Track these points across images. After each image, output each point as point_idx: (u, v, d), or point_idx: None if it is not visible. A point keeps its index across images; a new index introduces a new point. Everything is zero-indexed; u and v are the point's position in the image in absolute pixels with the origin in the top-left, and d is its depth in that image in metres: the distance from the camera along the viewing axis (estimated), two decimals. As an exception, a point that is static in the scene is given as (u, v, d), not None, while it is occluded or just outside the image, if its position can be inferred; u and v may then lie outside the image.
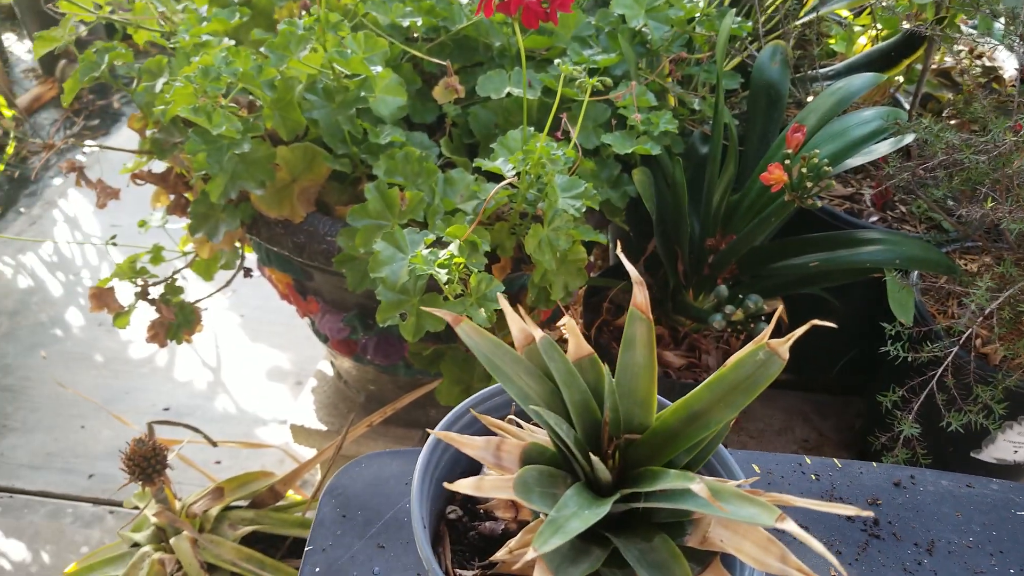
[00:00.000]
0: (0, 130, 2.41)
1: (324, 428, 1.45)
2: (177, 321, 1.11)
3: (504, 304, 0.42)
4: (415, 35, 1.09)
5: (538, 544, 0.35)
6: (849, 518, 0.67)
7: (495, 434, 0.45)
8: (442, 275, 0.78)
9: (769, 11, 1.25)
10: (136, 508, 1.14)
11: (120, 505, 1.48)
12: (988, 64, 1.39)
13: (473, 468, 0.51)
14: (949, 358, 0.88)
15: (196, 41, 0.94)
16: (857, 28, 1.44)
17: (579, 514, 0.38)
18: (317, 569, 0.65)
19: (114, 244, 1.16)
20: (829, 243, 1.05)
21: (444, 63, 0.95)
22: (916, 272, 1.08)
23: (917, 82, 1.24)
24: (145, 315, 1.16)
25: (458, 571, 0.49)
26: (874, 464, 0.72)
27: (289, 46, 0.90)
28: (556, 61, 0.86)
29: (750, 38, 1.25)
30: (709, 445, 0.44)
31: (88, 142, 2.42)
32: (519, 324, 0.43)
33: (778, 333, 1.20)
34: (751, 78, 1.12)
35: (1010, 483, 0.71)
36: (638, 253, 1.22)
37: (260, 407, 1.68)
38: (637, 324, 0.43)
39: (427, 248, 0.81)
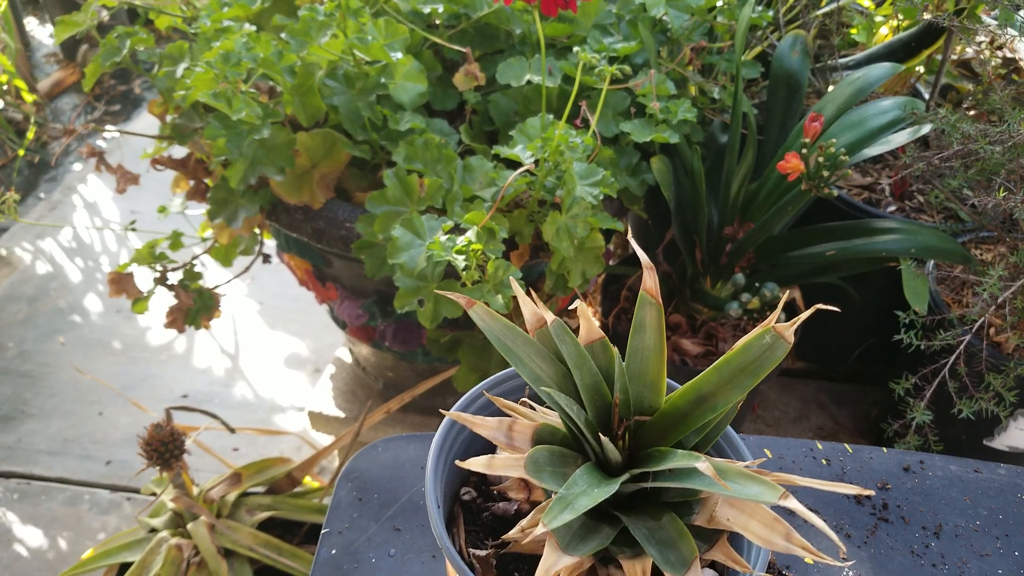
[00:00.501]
0: (21, 115, 2.44)
1: (342, 415, 1.47)
2: (196, 307, 1.13)
3: (516, 287, 0.43)
4: (436, 22, 1.10)
5: (547, 520, 0.36)
6: (859, 502, 0.68)
7: (508, 415, 0.46)
8: (460, 261, 0.79)
9: (790, 1, 1.25)
10: (154, 495, 1.16)
11: (138, 492, 1.50)
12: (1009, 55, 1.37)
13: (487, 450, 0.52)
14: (962, 346, 0.88)
15: (217, 26, 0.96)
16: (878, 18, 1.43)
17: (588, 492, 0.39)
18: (333, 551, 0.66)
19: (133, 230, 1.17)
20: (845, 232, 1.05)
21: (464, 50, 0.96)
22: (932, 261, 1.08)
23: (936, 73, 1.23)
24: (164, 301, 1.18)
25: (471, 550, 0.50)
26: (884, 449, 0.73)
27: (310, 32, 0.91)
28: (575, 49, 0.87)
29: (771, 27, 1.25)
30: (717, 427, 0.45)
31: (108, 127, 2.45)
32: (531, 307, 0.44)
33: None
34: (771, 67, 1.11)
35: (1017, 468, 0.71)
36: (656, 241, 1.23)
37: (278, 394, 1.70)
38: (647, 308, 0.44)
39: (445, 235, 0.82)
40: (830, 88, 1.16)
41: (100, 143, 2.41)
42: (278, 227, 1.06)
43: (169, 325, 1.13)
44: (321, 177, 0.99)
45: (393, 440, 0.74)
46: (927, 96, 1.27)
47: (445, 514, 0.51)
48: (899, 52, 1.24)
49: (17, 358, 1.76)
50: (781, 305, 0.42)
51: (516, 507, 0.51)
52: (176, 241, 1.19)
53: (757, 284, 1.07)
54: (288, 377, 1.74)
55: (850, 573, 0.64)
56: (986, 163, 0.90)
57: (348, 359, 1.54)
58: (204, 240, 1.23)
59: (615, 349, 0.45)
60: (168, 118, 1.08)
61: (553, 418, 0.47)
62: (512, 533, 0.44)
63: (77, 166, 2.35)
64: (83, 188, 2.27)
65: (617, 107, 1.01)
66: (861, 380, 1.44)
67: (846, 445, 0.73)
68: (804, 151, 0.91)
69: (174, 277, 1.15)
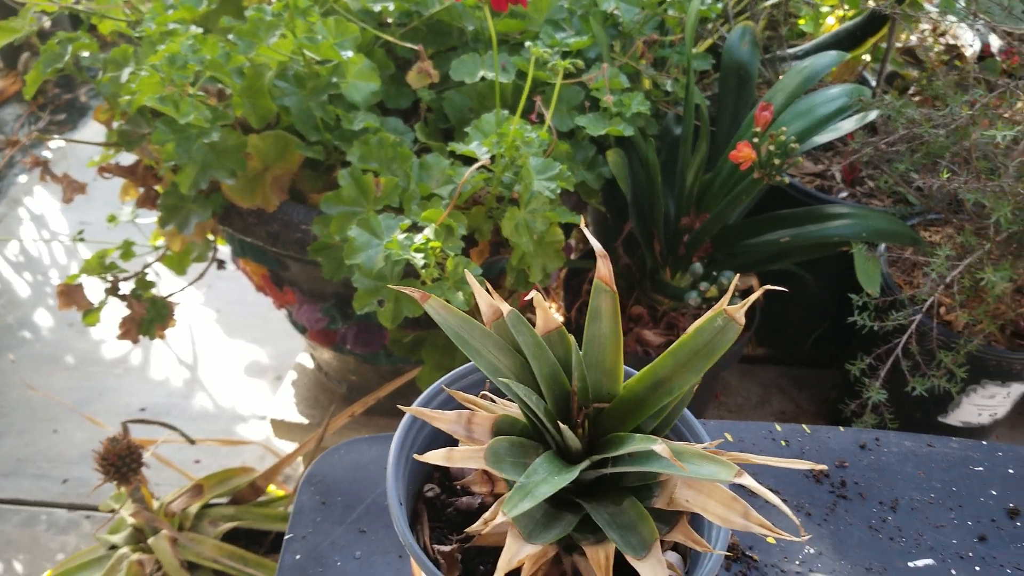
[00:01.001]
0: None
1: (305, 421, 1.46)
2: (149, 316, 1.11)
3: (471, 280, 0.42)
4: (387, 20, 1.09)
5: (507, 508, 0.36)
6: (818, 480, 0.69)
7: (468, 409, 0.46)
8: (418, 259, 0.79)
9: (737, -8, 1.27)
10: (113, 511, 1.13)
11: (96, 509, 1.46)
12: (951, 42, 1.41)
13: (450, 445, 0.52)
14: (913, 326, 0.90)
15: (162, 29, 0.94)
16: (825, 8, 1.46)
17: (548, 480, 0.39)
18: (298, 556, 0.65)
19: (82, 240, 1.15)
20: (799, 219, 1.07)
21: (417, 48, 0.96)
22: (883, 244, 1.11)
23: (882, 60, 1.26)
24: (116, 312, 1.16)
25: (436, 546, 0.50)
26: (841, 429, 0.74)
27: (258, 33, 0.90)
28: (528, 44, 0.87)
29: (720, 19, 1.26)
30: (674, 410, 0.45)
31: (54, 136, 2.39)
32: (487, 299, 0.44)
33: (753, 309, 1.22)
34: (721, 59, 1.13)
35: (969, 441, 0.73)
36: (615, 234, 1.23)
37: (239, 403, 1.68)
38: (602, 296, 0.44)
39: (403, 233, 0.82)
40: (779, 78, 1.18)
41: (45, 153, 2.35)
42: (232, 232, 1.04)
43: (122, 336, 1.11)
44: (274, 180, 0.98)
45: (355, 442, 0.74)
46: (874, 83, 1.30)
47: (409, 512, 0.50)
48: (845, 41, 1.27)
49: (-34, 377, 1.71)
50: (731, 289, 0.43)
51: (480, 500, 0.51)
52: (127, 250, 1.17)
53: (715, 273, 1.09)
54: (249, 385, 1.71)
55: (811, 550, 0.65)
56: (931, 147, 0.92)
57: (310, 364, 1.52)
58: (156, 249, 1.20)
59: (572, 338, 0.45)
60: (115, 124, 1.06)
61: (513, 410, 0.47)
62: (475, 526, 0.44)
63: (22, 178, 2.30)
64: (29, 200, 2.22)
65: (572, 101, 1.02)
66: (819, 364, 1.47)
67: (804, 426, 0.74)
68: (755, 140, 0.92)
69: (126, 287, 1.13)
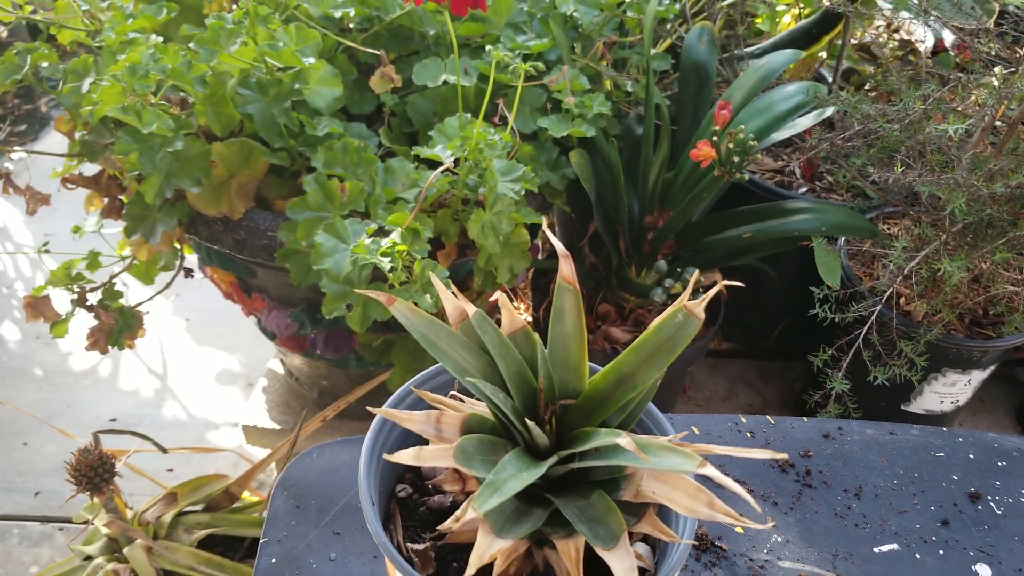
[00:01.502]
0: (-78, 141, 2.33)
1: (277, 427, 1.45)
2: (118, 326, 1.10)
3: (436, 282, 0.43)
4: (349, 26, 1.10)
5: (478, 505, 0.37)
6: (783, 470, 0.71)
7: (438, 409, 0.47)
8: (385, 263, 0.80)
9: (695, -8, 1.29)
10: (87, 522, 1.12)
11: (70, 521, 1.45)
12: (905, 38, 1.44)
13: (420, 446, 0.52)
14: (873, 316, 0.92)
15: (123, 39, 0.94)
16: (781, 7, 1.48)
17: (517, 475, 0.40)
18: (273, 560, 0.65)
19: (47, 251, 1.14)
20: (760, 215, 1.09)
21: (379, 53, 0.96)
22: (842, 238, 1.13)
23: (838, 57, 1.28)
24: (84, 323, 1.14)
25: (409, 545, 0.50)
26: (805, 419, 0.76)
27: (219, 41, 0.90)
28: (488, 48, 0.88)
29: (679, 20, 1.28)
30: (639, 405, 0.47)
31: (15, 148, 2.35)
32: (452, 301, 0.44)
33: (718, 304, 1.24)
34: (680, 59, 1.15)
35: (930, 428, 0.75)
36: (581, 234, 1.25)
37: (211, 411, 1.67)
38: (565, 295, 0.45)
39: (369, 238, 0.82)
40: (737, 77, 1.20)
41: (7, 164, 2.31)
42: (198, 240, 1.04)
43: (91, 347, 1.10)
44: (239, 187, 0.98)
45: (327, 446, 0.74)
46: (830, 80, 1.33)
47: (382, 512, 0.51)
48: (801, 39, 1.29)
49: (-71, 393, 1.68)
50: (691, 285, 0.44)
51: (451, 499, 0.52)
52: (93, 261, 1.16)
53: (679, 270, 1.10)
54: (220, 393, 1.70)
55: (779, 538, 0.67)
56: (886, 141, 0.94)
57: (280, 371, 1.52)
58: (123, 259, 1.19)
59: (537, 337, 0.46)
60: (77, 135, 1.05)
61: (481, 409, 0.48)
62: (446, 524, 0.45)
63: (-17, 190, 2.25)
64: (-9, 213, 2.18)
65: (534, 104, 1.03)
66: (784, 356, 1.49)
67: (769, 417, 0.76)
68: (714, 139, 0.94)
69: (93, 297, 1.12)
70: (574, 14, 1.10)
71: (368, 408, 0.43)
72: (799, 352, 1.46)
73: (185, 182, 0.93)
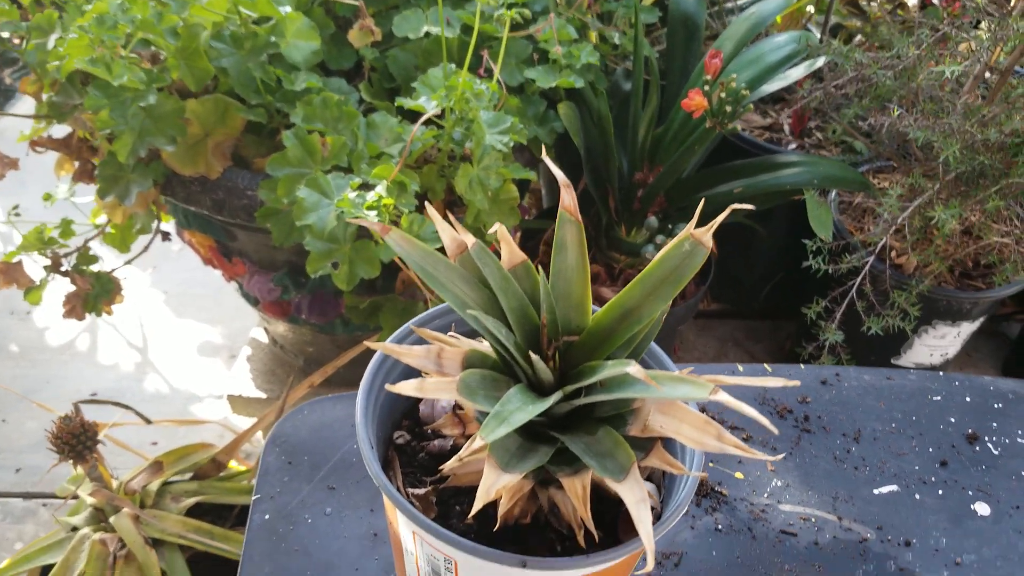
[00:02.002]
0: None
1: (263, 395, 1.43)
2: (95, 291, 1.07)
3: (432, 212, 0.41)
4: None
5: (484, 434, 0.35)
6: (781, 416, 0.70)
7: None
8: (372, 217, 0.77)
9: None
10: (71, 496, 1.10)
11: (54, 496, 1.42)
12: (892, -9, 1.43)
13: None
14: (867, 267, 0.92)
15: (90, -8, 0.90)
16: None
17: (523, 408, 0.38)
18: (267, 516, 0.64)
19: (17, 215, 1.10)
20: (751, 169, 1.08)
21: (358, 3, 0.93)
22: (834, 191, 1.12)
23: (826, 11, 1.27)
24: (59, 294, 1.11)
25: (410, 490, 0.49)
26: (802, 366, 0.75)
27: (191, -8, 0.87)
28: (472, -7, 0.85)
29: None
30: (643, 340, 0.45)
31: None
32: (450, 232, 0.42)
33: (709, 264, 1.23)
34: (668, 11, 1.12)
35: (927, 372, 0.75)
36: (567, 193, 1.23)
37: (193, 384, 1.64)
38: (567, 227, 0.44)
39: (354, 192, 0.80)
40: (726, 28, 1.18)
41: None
42: (175, 202, 1.01)
43: (68, 314, 1.07)
44: (216, 145, 0.95)
45: (319, 402, 0.72)
46: (818, 35, 1.31)
47: (380, 459, 0.49)
48: (789, -10, 1.27)
49: (-99, 371, 1.65)
50: (696, 217, 0.43)
51: (451, 443, 0.50)
52: (66, 229, 1.12)
53: (670, 226, 1.09)
54: (202, 365, 1.68)
55: (779, 483, 0.66)
56: (879, 89, 0.93)
57: (264, 339, 1.49)
58: (97, 227, 1.16)
59: (540, 271, 0.44)
60: (44, 97, 1.01)
61: (482, 347, 0.46)
62: (450, 464, 0.43)
63: (-50, 164, 2.19)
64: (-42, 185, 2.12)
65: (519, 55, 1.00)
66: (773, 316, 1.49)
67: (766, 365, 0.75)
68: (706, 88, 0.92)
69: (67, 263, 1.09)
70: (559, -36, 1.07)
71: (367, 343, 0.41)
72: (788, 311, 1.45)
73: (159, 140, 0.89)
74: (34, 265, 1.09)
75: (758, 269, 1.40)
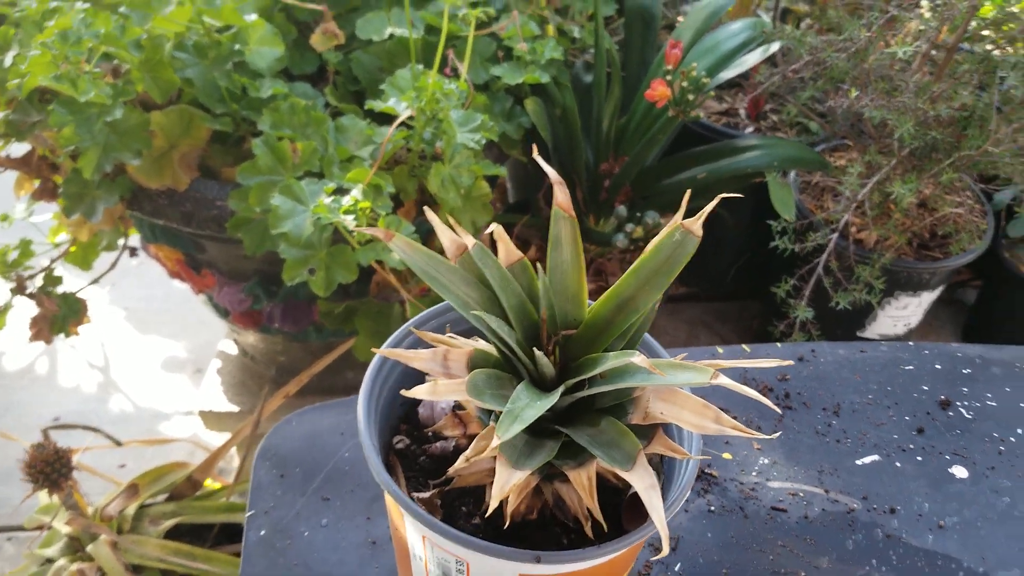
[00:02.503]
0: None
1: (236, 409, 1.42)
2: (62, 312, 1.05)
3: (431, 216, 0.42)
4: (282, -15, 1.05)
5: (500, 432, 0.36)
6: (764, 395, 0.72)
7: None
8: (349, 222, 0.77)
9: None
10: (41, 527, 1.07)
11: (21, 528, 1.38)
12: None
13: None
14: (831, 244, 0.94)
15: (45, 7, 0.88)
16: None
17: (532, 404, 0.39)
18: (263, 532, 0.64)
19: (-24, 240, 1.07)
20: (712, 155, 1.10)
21: (321, 8, 0.92)
22: (794, 172, 1.15)
23: (775, -4, 1.30)
24: (17, 318, 1.08)
25: (414, 494, 0.49)
26: (778, 345, 0.77)
27: (151, 3, 0.86)
28: (433, -5, 0.85)
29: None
30: (639, 330, 0.46)
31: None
32: (449, 234, 0.43)
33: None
34: (625, 3, 1.14)
35: (897, 343, 0.78)
36: (537, 186, 1.24)
37: (161, 402, 1.61)
38: (561, 223, 0.44)
39: (329, 197, 0.80)
40: (680, 19, 1.20)
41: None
42: (142, 216, 0.99)
43: (35, 337, 1.04)
44: (182, 157, 0.94)
45: (306, 412, 0.72)
46: (769, 20, 1.34)
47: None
48: (738, -20, 1.30)
49: None
50: (681, 212, 0.44)
51: (454, 444, 0.51)
52: (25, 250, 1.10)
53: (638, 214, 1.11)
54: (169, 382, 1.65)
55: (765, 460, 0.68)
56: (833, 71, 0.95)
57: (233, 351, 1.48)
58: (57, 246, 1.14)
59: (537, 267, 0.45)
60: (1, 115, 0.99)
61: (482, 346, 0.47)
62: (457, 465, 0.44)
63: None
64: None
65: (484, 53, 1.01)
66: (740, 297, 1.52)
67: (744, 346, 0.77)
68: (668, 78, 0.94)
69: (32, 284, 1.06)
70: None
71: (372, 349, 0.41)
72: (754, 292, 1.49)
73: (125, 154, 0.88)
74: (-4, 288, 1.07)
75: (724, 252, 1.43)
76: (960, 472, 0.68)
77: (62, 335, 1.07)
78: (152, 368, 1.67)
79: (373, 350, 0.42)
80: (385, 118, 0.92)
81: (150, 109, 0.91)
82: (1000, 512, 0.64)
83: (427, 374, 0.44)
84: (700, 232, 0.45)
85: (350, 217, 0.76)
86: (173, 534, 1.06)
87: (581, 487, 0.44)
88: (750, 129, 1.27)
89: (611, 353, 0.42)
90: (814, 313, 0.97)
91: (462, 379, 0.40)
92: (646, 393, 0.45)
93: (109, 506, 1.06)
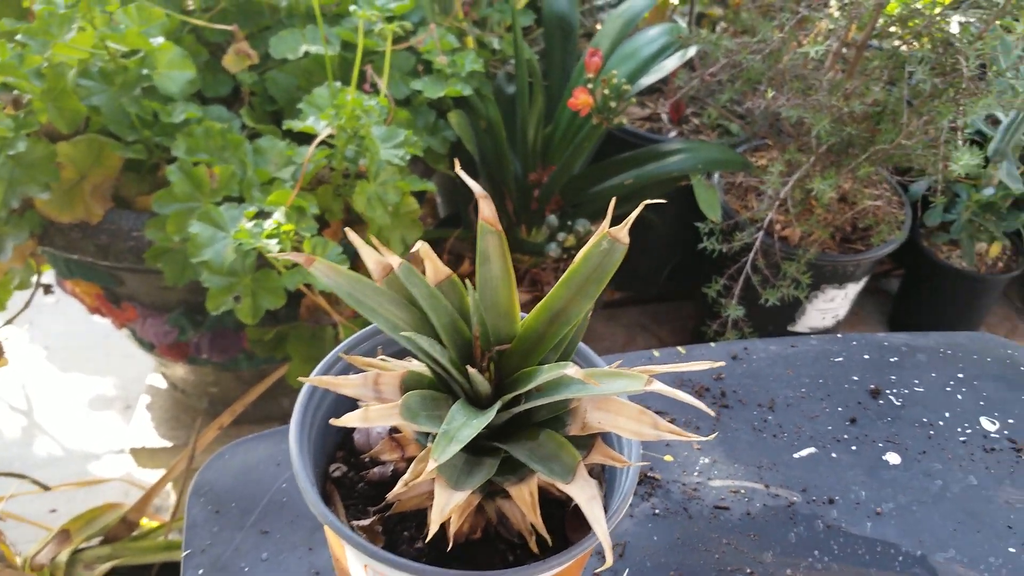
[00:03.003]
0: None
1: (169, 444, 1.37)
2: (-25, 357, 1.00)
3: (354, 237, 0.41)
4: (190, 6, 1.03)
5: (436, 455, 0.35)
6: (699, 395, 0.73)
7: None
8: (272, 246, 0.75)
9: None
10: (-38, 582, 1.02)
11: (-54, 582, 1.31)
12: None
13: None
14: (757, 242, 0.96)
15: (-66, 38, 0.83)
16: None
17: (468, 423, 0.38)
18: (200, 572, 0.61)
19: None
20: (638, 160, 1.11)
21: (232, 28, 0.90)
22: (717, 173, 1.17)
23: (690, 1, 1.32)
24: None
25: (354, 523, 0.48)
26: (712, 344, 0.78)
27: (50, 29, 0.82)
28: (352, 8, 0.84)
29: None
30: (573, 340, 0.46)
31: None
32: (374, 255, 0.42)
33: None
34: (543, 13, 1.14)
35: (827, 336, 0.79)
36: (467, 199, 1.23)
37: (89, 442, 1.55)
38: (488, 237, 0.44)
39: (250, 221, 0.78)
40: (599, 26, 1.21)
41: None
42: (55, 252, 0.95)
43: (-56, 385, 0.99)
44: (94, 188, 0.90)
45: (240, 444, 0.70)
46: (684, 25, 1.36)
47: (319, 495, 0.48)
48: (653, -14, 1.32)
49: None
50: (607, 221, 0.43)
51: (391, 468, 0.50)
52: (-68, 292, 1.04)
53: (569, 223, 1.11)
54: (97, 420, 1.58)
55: (706, 460, 0.68)
56: (749, 73, 0.98)
57: (163, 385, 1.43)
58: (-34, 285, 1.08)
59: (466, 284, 0.45)
60: None
61: (415, 366, 0.45)
62: (396, 490, 0.43)
63: None
64: None
65: (403, 67, 1.00)
66: (673, 299, 1.54)
67: (679, 348, 0.78)
68: (590, 86, 0.94)
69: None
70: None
71: (300, 379, 0.40)
72: (687, 293, 1.51)
73: (32, 189, 0.84)
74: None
75: (655, 255, 1.44)
76: (893, 458, 0.69)
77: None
78: (78, 407, 1.60)
79: (300, 379, 0.41)
80: (305, 138, 0.90)
81: (57, 140, 0.87)
82: (933, 495, 0.66)
83: (359, 400, 0.43)
84: (627, 239, 0.45)
85: (273, 241, 0.74)
86: (111, 579, 1.02)
87: (523, 503, 0.43)
88: (673, 133, 1.29)
89: (545, 366, 0.42)
90: (745, 311, 0.99)
91: (395, 403, 0.39)
92: (583, 403, 0.45)
93: (40, 554, 1.02)
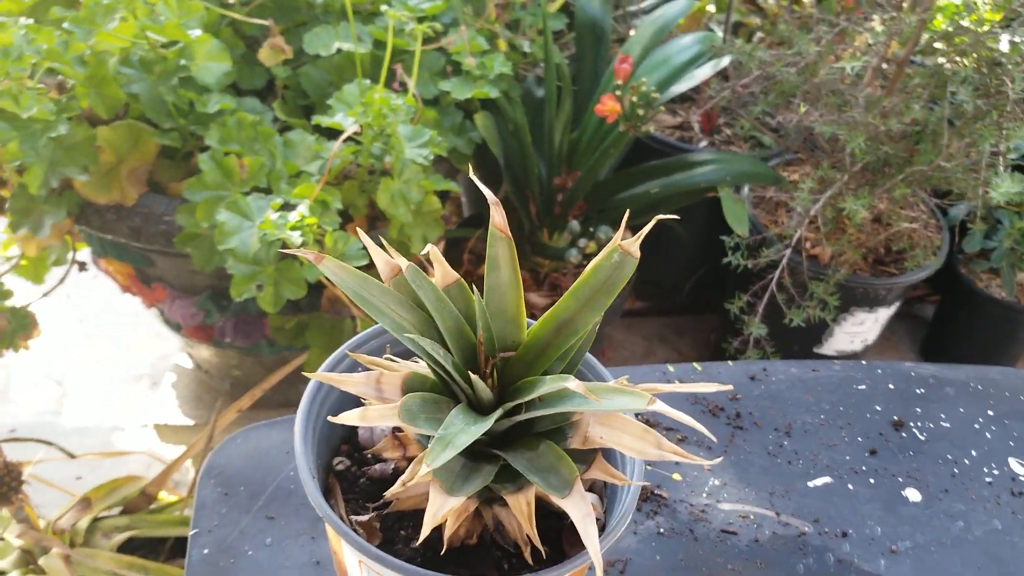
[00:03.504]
0: None
1: (191, 422, 1.40)
2: (11, 327, 1.03)
3: (364, 238, 0.41)
4: (229, 0, 1.04)
5: (430, 460, 0.35)
6: (714, 414, 0.72)
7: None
8: (295, 238, 0.76)
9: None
10: (-7, 541, 1.05)
11: (-29, 542, 1.35)
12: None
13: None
14: (784, 260, 0.95)
15: (-16, 21, 0.86)
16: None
17: (466, 430, 0.38)
18: (206, 551, 0.62)
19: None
20: (666, 169, 1.11)
21: (268, 23, 0.92)
22: (747, 187, 1.16)
23: (727, 10, 1.31)
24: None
25: (353, 517, 0.48)
26: (730, 363, 0.77)
27: (95, 19, 0.84)
28: (384, 8, 0.85)
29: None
30: (579, 352, 0.46)
31: None
32: (383, 256, 0.42)
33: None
34: (575, 17, 1.14)
35: (850, 362, 0.77)
36: (489, 201, 1.24)
37: (116, 414, 1.58)
38: (498, 244, 0.44)
39: (276, 213, 0.79)
40: (632, 32, 1.21)
41: None
42: (90, 231, 0.97)
43: (-21, 353, 1.02)
44: (130, 172, 0.92)
45: (253, 429, 0.71)
46: (720, 34, 1.35)
47: (320, 487, 0.49)
48: (691, -9, 1.31)
49: None
50: (621, 232, 0.43)
51: (392, 466, 0.50)
52: (-28, 264, 1.07)
53: (591, 229, 1.11)
54: (125, 394, 1.62)
55: (716, 481, 0.68)
56: (783, 85, 0.96)
57: (188, 365, 1.46)
58: (8, 260, 1.11)
59: (474, 289, 0.45)
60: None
61: (419, 368, 0.46)
62: (393, 489, 0.43)
63: None
64: None
65: (433, 68, 1.00)
66: (696, 311, 1.53)
67: (695, 364, 0.77)
68: (618, 93, 0.94)
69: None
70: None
71: (305, 374, 0.41)
72: (711, 306, 1.49)
73: (71, 170, 0.86)
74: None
75: (679, 267, 1.43)
76: (913, 495, 0.67)
77: (12, 350, 1.05)
78: (108, 381, 1.64)
79: (306, 374, 0.41)
80: (335, 133, 0.91)
81: (97, 124, 0.90)
82: (954, 537, 0.64)
83: (361, 398, 0.43)
84: (638, 253, 0.45)
85: (296, 233, 0.75)
86: (126, 548, 1.04)
87: (520, 513, 0.43)
88: (704, 143, 1.28)
89: (548, 377, 0.42)
90: (769, 329, 0.98)
91: (395, 404, 0.40)
92: (586, 417, 0.45)
93: (61, 519, 1.05)
